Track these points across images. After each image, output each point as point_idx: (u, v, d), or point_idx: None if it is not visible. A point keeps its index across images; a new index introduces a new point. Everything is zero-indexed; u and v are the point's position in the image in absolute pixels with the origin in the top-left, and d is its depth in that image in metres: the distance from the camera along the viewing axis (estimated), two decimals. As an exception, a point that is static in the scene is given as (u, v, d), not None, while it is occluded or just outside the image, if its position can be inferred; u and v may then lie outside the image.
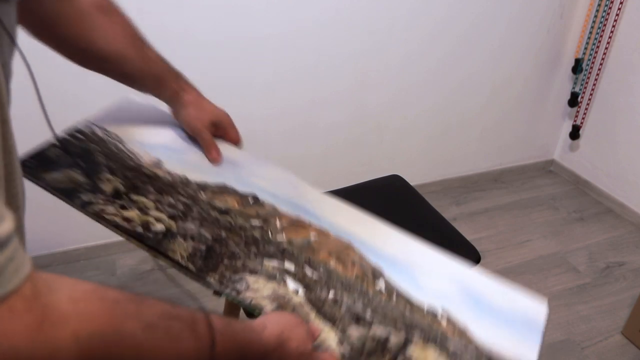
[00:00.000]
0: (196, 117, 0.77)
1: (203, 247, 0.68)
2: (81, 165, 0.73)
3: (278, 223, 0.72)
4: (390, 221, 0.74)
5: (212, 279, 0.65)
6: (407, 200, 1.16)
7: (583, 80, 2.13)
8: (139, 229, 0.68)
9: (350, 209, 0.75)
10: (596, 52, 2.04)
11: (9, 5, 0.43)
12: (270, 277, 0.66)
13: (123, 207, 0.70)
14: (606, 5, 1.94)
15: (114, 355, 0.35)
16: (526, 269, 1.78)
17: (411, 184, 1.24)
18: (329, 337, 0.62)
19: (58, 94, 1.38)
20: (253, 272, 0.67)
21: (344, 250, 0.70)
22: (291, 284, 0.66)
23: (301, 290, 0.65)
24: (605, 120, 2.12)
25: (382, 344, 0.62)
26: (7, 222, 0.29)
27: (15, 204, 0.42)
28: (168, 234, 0.69)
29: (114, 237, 1.68)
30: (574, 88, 2.18)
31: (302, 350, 0.55)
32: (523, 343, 0.62)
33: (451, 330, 0.63)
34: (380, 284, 0.67)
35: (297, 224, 0.72)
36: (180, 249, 0.68)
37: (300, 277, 0.67)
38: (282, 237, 0.70)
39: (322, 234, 0.72)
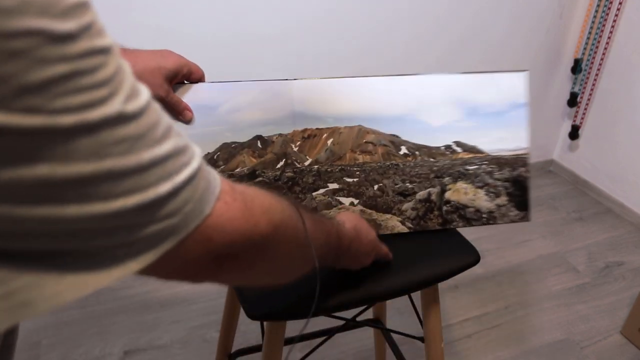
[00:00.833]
0: (148, 85, 0.69)
1: None
2: None
3: (294, 147, 0.74)
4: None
5: None
6: (407, 200, 1.16)
7: (582, 80, 2.13)
8: None
9: (329, 82, 0.75)
10: (595, 52, 2.04)
11: None
12: (327, 205, 0.75)
13: None
14: (605, 6, 1.94)
15: (291, 236, 0.43)
16: (526, 268, 1.78)
17: (411, 183, 1.24)
18: (393, 223, 0.77)
19: None
20: (313, 210, 0.75)
21: (360, 137, 0.75)
22: (345, 200, 0.75)
23: (355, 200, 0.75)
24: (604, 120, 2.12)
25: (427, 203, 0.77)
26: (197, 158, 0.33)
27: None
28: None
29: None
30: (573, 88, 2.18)
31: (370, 238, 0.65)
32: (516, 126, 0.76)
33: (466, 154, 0.76)
34: (403, 149, 0.76)
35: (308, 137, 0.73)
36: None
37: (346, 189, 0.75)
38: (307, 160, 0.74)
39: (334, 132, 0.75)
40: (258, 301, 0.68)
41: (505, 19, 1.91)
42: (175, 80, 0.70)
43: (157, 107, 0.29)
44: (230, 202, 0.35)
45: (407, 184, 0.76)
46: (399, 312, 1.55)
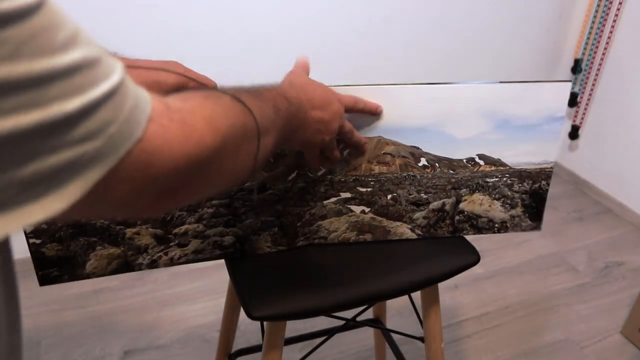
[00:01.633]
0: None
1: (276, 229, 0.73)
2: (93, 239, 0.68)
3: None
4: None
5: (300, 242, 0.75)
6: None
7: (582, 80, 2.13)
8: (217, 252, 0.72)
9: (348, 90, 0.72)
10: (595, 53, 2.04)
11: None
12: (338, 212, 0.75)
13: (181, 245, 0.70)
14: (605, 6, 1.94)
15: (240, 135, 0.40)
16: (526, 268, 1.78)
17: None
18: (403, 229, 0.77)
19: None
20: (323, 217, 0.75)
21: (379, 148, 0.73)
22: (356, 208, 0.74)
23: (366, 208, 0.75)
24: (604, 120, 2.12)
25: (440, 212, 0.76)
26: (117, 72, 0.29)
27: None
28: (242, 239, 0.72)
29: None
30: (573, 88, 2.18)
31: (321, 91, 0.61)
32: (547, 140, 0.74)
33: (488, 167, 0.75)
34: (423, 161, 0.74)
35: None
36: (262, 244, 0.73)
37: (358, 198, 0.74)
38: (321, 170, 0.73)
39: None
40: (258, 301, 0.68)
41: (506, 19, 1.91)
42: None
43: (58, 8, 0.25)
44: (166, 124, 0.32)
45: (422, 195, 0.75)
46: (399, 312, 1.55)
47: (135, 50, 0.61)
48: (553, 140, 0.75)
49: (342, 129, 0.65)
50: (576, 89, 2.17)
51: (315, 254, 0.77)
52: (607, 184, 2.16)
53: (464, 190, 0.76)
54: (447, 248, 0.80)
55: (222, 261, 0.77)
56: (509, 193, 0.77)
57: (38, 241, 0.65)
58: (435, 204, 0.76)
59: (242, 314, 0.75)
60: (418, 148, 0.73)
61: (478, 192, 0.76)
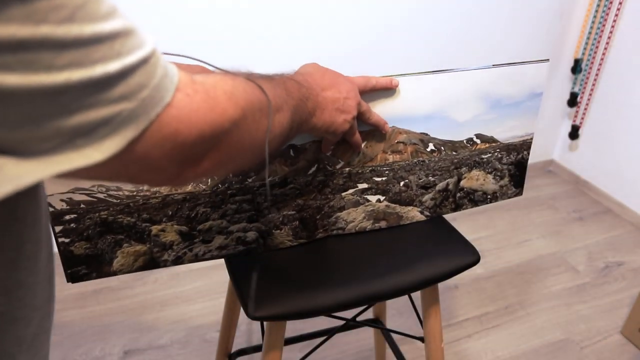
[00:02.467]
0: None
1: (296, 223, 0.75)
2: (120, 236, 0.68)
3: (328, 152, 0.74)
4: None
5: (320, 235, 0.78)
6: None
7: (582, 80, 2.13)
8: (240, 247, 0.73)
9: None
10: (595, 52, 2.04)
11: None
12: (355, 203, 0.77)
13: (205, 241, 0.71)
14: (605, 6, 1.94)
15: (257, 111, 0.43)
16: (525, 268, 1.78)
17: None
18: (413, 213, 0.82)
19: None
20: (341, 208, 0.77)
21: (393, 138, 0.76)
22: (372, 198, 0.78)
23: (381, 197, 0.78)
24: (604, 120, 2.12)
25: (444, 192, 0.82)
26: (150, 43, 0.33)
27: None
28: (264, 234, 0.73)
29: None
30: (573, 88, 2.18)
31: (331, 74, 0.63)
32: (529, 115, 0.81)
33: (484, 145, 0.81)
34: (431, 146, 0.78)
35: (342, 140, 0.72)
36: (283, 238, 0.75)
37: (374, 188, 0.77)
38: (339, 162, 0.75)
39: (367, 134, 0.75)
40: (258, 301, 0.68)
41: (506, 19, 1.91)
42: None
43: None
44: (192, 94, 0.35)
45: (430, 178, 0.80)
46: (399, 312, 1.55)
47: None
48: (533, 113, 0.82)
49: (360, 107, 0.66)
50: (576, 89, 2.17)
51: (316, 254, 0.77)
52: (607, 184, 2.16)
53: (464, 168, 0.82)
54: (447, 248, 0.80)
55: (222, 261, 0.77)
56: (499, 166, 0.84)
57: (67, 240, 0.66)
58: (440, 185, 0.81)
59: (242, 314, 0.75)
60: (427, 134, 0.77)
61: (475, 168, 0.82)
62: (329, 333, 0.94)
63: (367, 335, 1.43)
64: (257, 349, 1.10)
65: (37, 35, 0.25)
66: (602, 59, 2.04)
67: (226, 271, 0.77)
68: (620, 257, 1.86)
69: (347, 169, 0.75)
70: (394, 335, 1.19)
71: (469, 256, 0.79)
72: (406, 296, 0.84)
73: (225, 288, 1.05)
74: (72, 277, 0.69)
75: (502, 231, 1.95)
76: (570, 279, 1.75)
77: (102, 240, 0.67)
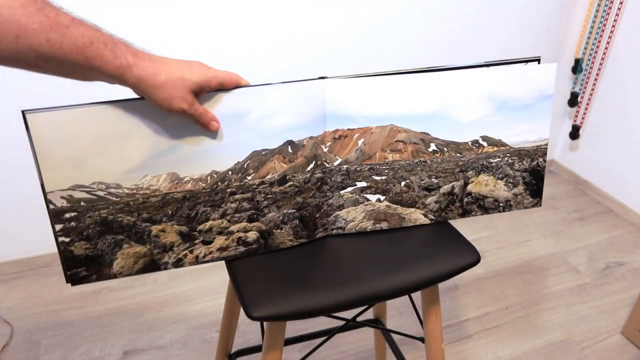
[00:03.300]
0: (170, 97, 0.62)
1: (296, 222, 0.75)
2: (120, 236, 0.68)
3: (325, 148, 0.74)
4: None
5: (319, 234, 0.77)
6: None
7: (583, 80, 2.13)
8: (241, 249, 0.73)
9: (363, 81, 0.72)
10: (596, 52, 2.04)
11: None
12: (355, 202, 0.77)
13: (206, 242, 0.71)
14: (606, 6, 1.94)
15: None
16: (526, 268, 1.78)
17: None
18: (416, 215, 0.80)
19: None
20: (340, 207, 0.77)
21: (391, 136, 0.76)
22: (372, 197, 0.77)
23: (382, 197, 0.78)
24: (605, 120, 2.12)
25: (450, 196, 0.80)
26: None
27: None
28: (265, 234, 0.74)
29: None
30: (573, 88, 2.18)
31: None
32: (540, 118, 0.79)
33: (491, 148, 0.79)
34: (432, 146, 0.77)
35: (339, 137, 0.73)
36: (284, 237, 0.75)
37: (374, 187, 0.77)
38: (337, 160, 0.75)
39: (365, 132, 0.75)
40: (258, 301, 0.68)
41: (506, 19, 1.91)
42: (202, 93, 0.66)
43: None
44: None
45: (433, 179, 0.79)
46: (399, 312, 1.55)
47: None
48: (545, 118, 0.79)
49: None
50: (576, 89, 2.17)
51: (316, 254, 0.77)
52: (608, 184, 2.16)
53: (471, 172, 0.80)
54: (447, 248, 0.80)
55: (222, 262, 0.77)
56: (510, 172, 0.81)
57: (67, 239, 0.66)
58: (445, 188, 0.80)
59: (242, 314, 0.75)
60: (427, 134, 0.76)
61: (483, 173, 0.80)
62: (329, 333, 0.94)
63: (367, 335, 1.42)
64: (257, 349, 1.10)
65: None
66: (602, 59, 2.04)
67: (226, 271, 0.77)
68: (620, 258, 1.86)
69: (345, 166, 0.75)
70: (394, 336, 1.19)
71: (470, 256, 0.79)
72: (406, 296, 0.83)
73: (225, 288, 1.05)
74: (73, 280, 0.68)
75: (503, 231, 1.94)
76: (571, 279, 1.75)
77: (102, 240, 0.67)
